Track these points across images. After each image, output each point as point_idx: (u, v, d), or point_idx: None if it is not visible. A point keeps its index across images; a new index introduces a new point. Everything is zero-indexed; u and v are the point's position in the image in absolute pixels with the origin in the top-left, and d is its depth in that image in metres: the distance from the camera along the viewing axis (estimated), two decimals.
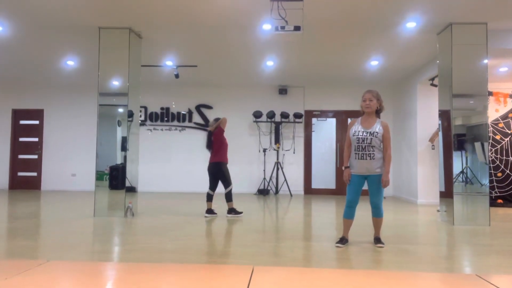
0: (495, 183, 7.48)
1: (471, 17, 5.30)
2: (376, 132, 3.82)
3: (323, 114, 9.95)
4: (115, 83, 5.89)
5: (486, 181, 5.63)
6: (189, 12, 5.35)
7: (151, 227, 4.98)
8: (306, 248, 4.05)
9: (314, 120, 9.99)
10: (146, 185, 9.57)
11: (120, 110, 6.01)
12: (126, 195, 5.79)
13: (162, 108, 10.08)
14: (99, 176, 6.14)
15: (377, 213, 3.95)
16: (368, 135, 3.83)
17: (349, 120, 9.73)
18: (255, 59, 7.60)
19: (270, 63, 7.88)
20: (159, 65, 8.04)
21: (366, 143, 3.82)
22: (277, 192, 9.41)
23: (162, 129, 10.07)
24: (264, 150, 9.58)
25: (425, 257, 3.70)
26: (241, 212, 5.87)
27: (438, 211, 6.22)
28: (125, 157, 5.95)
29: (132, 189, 6.04)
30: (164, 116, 10.08)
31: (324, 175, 9.84)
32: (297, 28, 4.76)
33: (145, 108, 10.02)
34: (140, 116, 9.87)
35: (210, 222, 5.38)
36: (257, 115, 9.58)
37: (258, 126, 9.79)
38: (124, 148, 6.04)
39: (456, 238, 4.67)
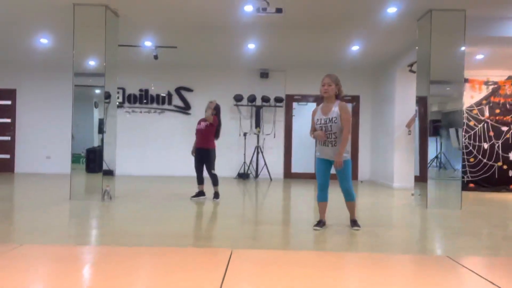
0: (467, 168, 7.73)
1: (450, 3, 5.35)
2: (334, 118, 3.83)
3: (304, 98, 9.96)
4: (91, 63, 5.70)
5: (459, 166, 5.81)
6: None
7: (129, 211, 4.93)
8: (284, 231, 4.11)
9: (295, 104, 10.00)
10: (124, 168, 9.41)
11: (97, 91, 5.84)
12: (103, 178, 5.68)
13: (141, 90, 9.86)
14: (75, 159, 6.00)
15: (348, 197, 4.02)
16: (328, 122, 3.85)
17: None
18: (237, 41, 7.49)
19: (251, 46, 7.79)
20: (137, 45, 7.82)
21: (327, 131, 3.86)
22: (257, 176, 9.46)
23: (141, 112, 9.87)
24: (245, 134, 9.55)
25: (399, 239, 3.81)
26: (196, 195, 5.83)
27: (412, 195, 6.40)
28: (102, 140, 5.82)
29: (109, 172, 5.93)
30: (143, 98, 9.87)
31: (304, 159, 9.92)
32: (278, 10, 4.71)
33: (123, 89, 9.77)
34: (118, 97, 9.63)
35: (189, 206, 5.37)
36: (238, 98, 9.51)
37: (239, 109, 9.73)
38: (101, 130, 5.90)
39: (429, 221, 4.83)
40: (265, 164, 9.42)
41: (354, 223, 4.05)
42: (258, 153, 9.48)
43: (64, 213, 4.77)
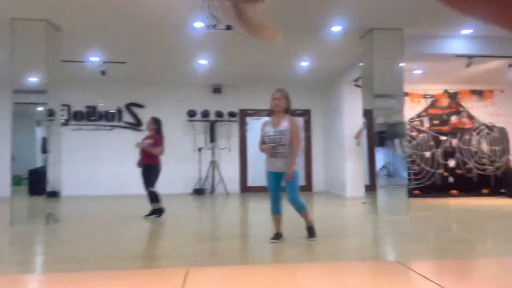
0: (412, 176, 8.19)
1: (389, 23, 5.72)
2: (284, 130, 3.94)
3: (257, 113, 10.08)
4: (32, 79, 5.40)
5: (404, 174, 6.14)
6: (116, 6, 5.08)
7: (76, 234, 4.66)
8: (242, 246, 4.09)
9: (248, 119, 10.09)
10: (71, 189, 8.91)
11: (39, 108, 5.53)
12: (48, 200, 5.34)
13: (88, 107, 9.47)
14: (16, 181, 5.60)
15: (298, 208, 4.04)
16: (277, 134, 3.94)
17: None
18: (188, 57, 7.46)
19: (203, 62, 7.79)
20: (83, 60, 7.53)
21: (276, 142, 3.94)
22: (213, 191, 9.36)
23: (88, 129, 9.46)
24: (199, 149, 9.46)
25: (353, 247, 3.94)
26: (149, 214, 5.66)
27: (363, 203, 6.65)
28: (46, 160, 5.49)
29: (55, 194, 5.59)
30: (90, 115, 9.48)
31: (260, 173, 9.94)
32: (228, 27, 4.77)
33: (68, 106, 9.33)
34: (63, 115, 9.17)
35: (142, 226, 5.18)
36: (192, 114, 9.43)
37: (193, 125, 9.64)
38: (44, 150, 5.57)
39: (380, 228, 5.04)
40: (221, 178, 9.36)
41: (311, 230, 4.09)
42: (213, 168, 9.41)
43: (5, 239, 4.41)
